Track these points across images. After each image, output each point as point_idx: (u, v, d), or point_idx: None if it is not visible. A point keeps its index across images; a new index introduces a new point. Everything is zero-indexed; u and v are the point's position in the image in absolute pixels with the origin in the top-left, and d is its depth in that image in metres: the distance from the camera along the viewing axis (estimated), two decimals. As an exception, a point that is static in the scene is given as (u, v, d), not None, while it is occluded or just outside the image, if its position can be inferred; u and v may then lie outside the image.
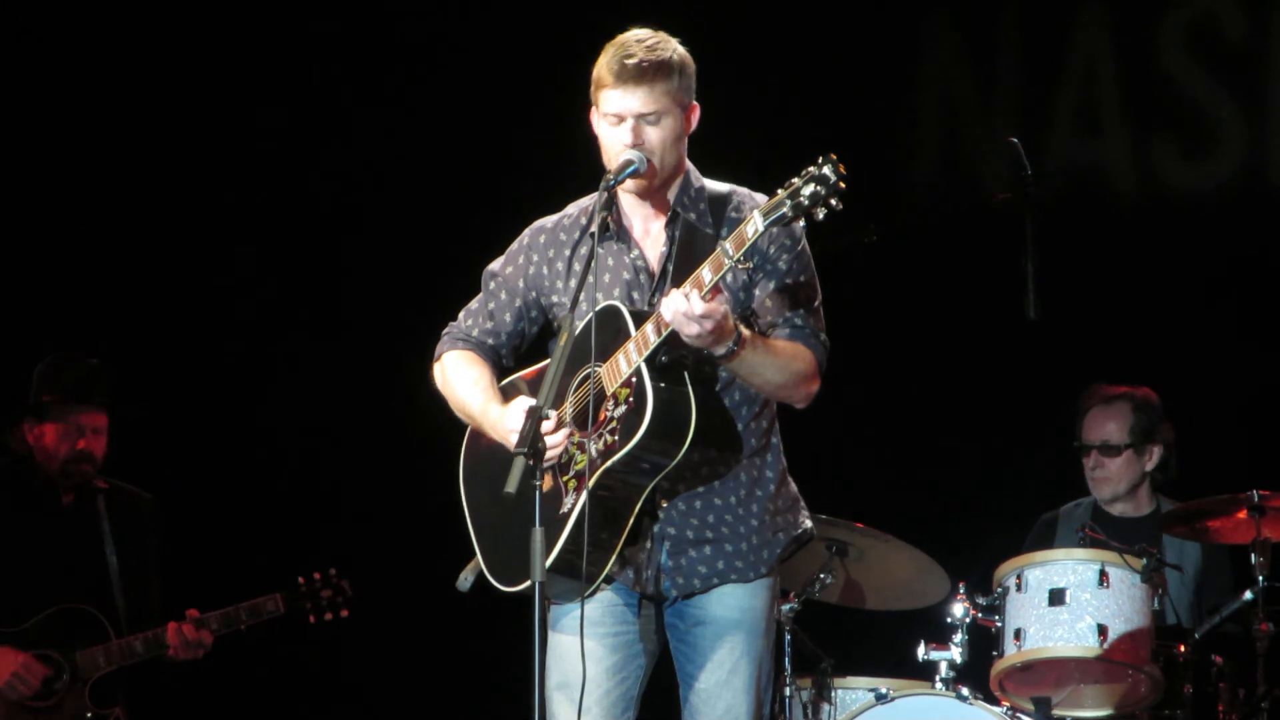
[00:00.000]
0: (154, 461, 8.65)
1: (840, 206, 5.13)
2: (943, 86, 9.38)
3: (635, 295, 5.48)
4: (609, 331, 5.36)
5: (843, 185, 5.11)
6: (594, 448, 5.32)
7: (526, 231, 5.68)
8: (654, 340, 5.26)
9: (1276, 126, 9.15)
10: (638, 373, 5.28)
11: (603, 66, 5.44)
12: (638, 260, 5.51)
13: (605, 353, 5.35)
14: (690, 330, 5.16)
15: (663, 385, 5.27)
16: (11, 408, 8.09)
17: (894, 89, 9.29)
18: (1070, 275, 8.60)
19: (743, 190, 5.56)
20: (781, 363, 5.35)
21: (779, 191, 5.18)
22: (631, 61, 5.39)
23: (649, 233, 5.53)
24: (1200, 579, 8.09)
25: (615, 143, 5.43)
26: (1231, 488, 7.60)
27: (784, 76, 9.19)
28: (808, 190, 5.12)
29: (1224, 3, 9.19)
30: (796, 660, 7.60)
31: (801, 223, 5.17)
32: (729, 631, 5.46)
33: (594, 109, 5.50)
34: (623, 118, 5.41)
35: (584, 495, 5.32)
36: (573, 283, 5.52)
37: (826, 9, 9.23)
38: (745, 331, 5.26)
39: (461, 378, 5.62)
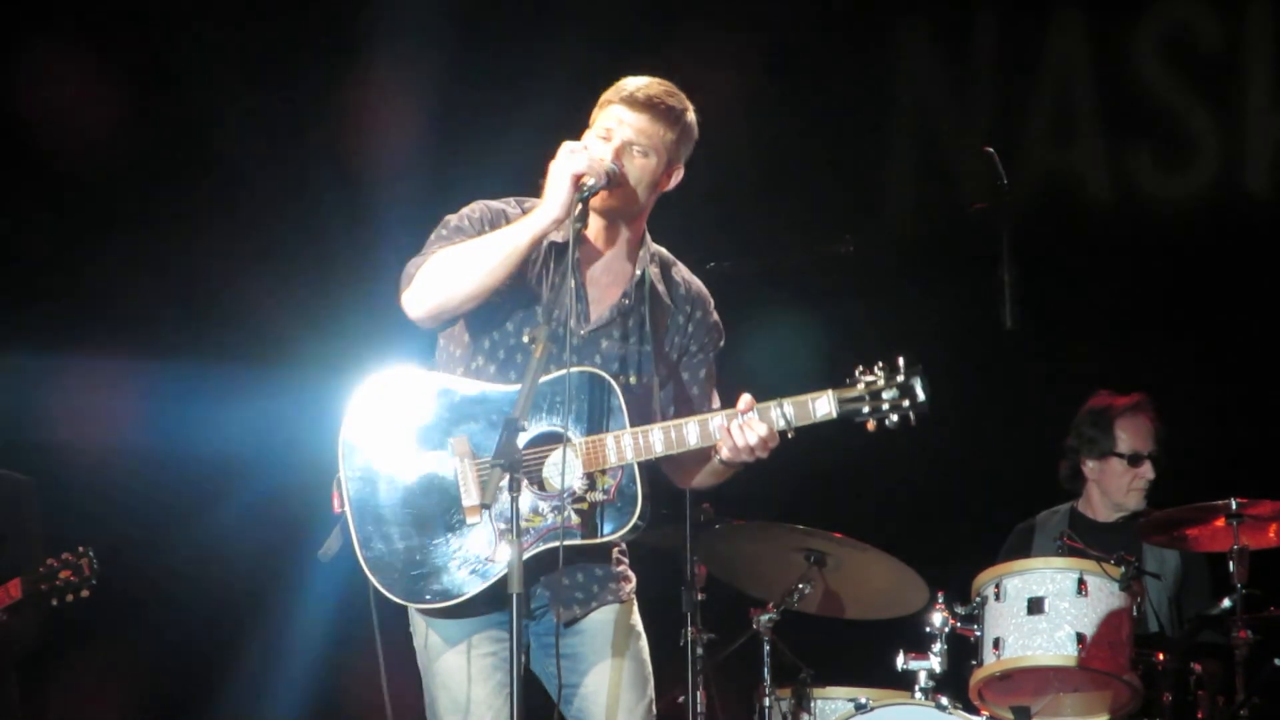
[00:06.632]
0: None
1: (914, 424, 5.06)
2: (919, 96, 9.39)
3: (571, 323, 5.35)
4: (594, 401, 5.28)
5: (927, 409, 5.04)
6: (551, 516, 5.26)
7: (482, 208, 5.46)
8: (659, 451, 5.24)
9: (1250, 135, 9.17)
10: (630, 473, 5.24)
11: (615, 88, 5.40)
12: (584, 289, 5.41)
13: (586, 420, 5.27)
14: (756, 455, 5.24)
15: (648, 494, 5.24)
16: None
17: (870, 99, 9.30)
18: (1047, 284, 8.62)
19: (682, 268, 5.55)
20: None
21: (859, 385, 5.15)
22: (645, 92, 5.36)
23: (610, 270, 5.46)
24: (1179, 587, 8.10)
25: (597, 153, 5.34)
26: (1209, 495, 7.61)
27: (761, 86, 9.19)
28: (889, 395, 5.12)
29: (1198, 13, 9.22)
30: (776, 670, 7.58)
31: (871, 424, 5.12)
32: (603, 631, 5.43)
33: (586, 131, 5.40)
34: (613, 136, 5.34)
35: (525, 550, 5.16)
36: (537, 288, 5.38)
37: (803, 19, 9.24)
38: None
39: (470, 240, 5.35)
